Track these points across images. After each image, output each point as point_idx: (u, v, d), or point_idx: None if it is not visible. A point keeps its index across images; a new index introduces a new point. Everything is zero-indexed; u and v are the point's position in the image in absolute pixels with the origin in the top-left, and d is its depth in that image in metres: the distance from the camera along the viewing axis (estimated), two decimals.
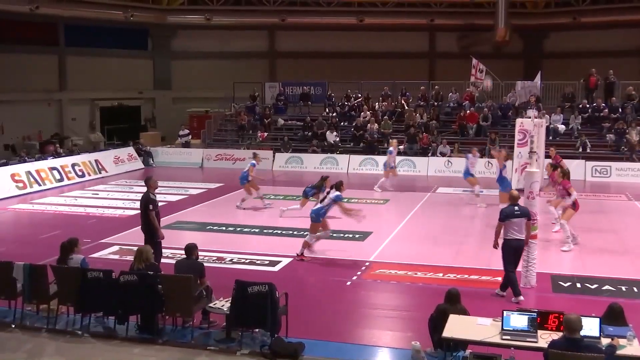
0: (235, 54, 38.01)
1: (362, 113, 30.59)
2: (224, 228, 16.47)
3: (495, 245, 10.82)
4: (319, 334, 9.31)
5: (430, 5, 35.54)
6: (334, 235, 14.79)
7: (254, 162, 19.13)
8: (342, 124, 30.80)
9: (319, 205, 13.75)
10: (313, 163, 28.10)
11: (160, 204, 12.19)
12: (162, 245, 11.75)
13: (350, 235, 15.42)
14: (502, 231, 10.75)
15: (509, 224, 10.66)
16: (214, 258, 13.29)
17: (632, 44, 34.58)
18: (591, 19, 33.56)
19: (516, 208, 10.76)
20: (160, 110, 39.28)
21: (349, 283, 11.84)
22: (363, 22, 35.67)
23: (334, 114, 31.25)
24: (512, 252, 10.70)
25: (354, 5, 35.66)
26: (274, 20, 36.61)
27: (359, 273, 12.40)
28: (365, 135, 29.01)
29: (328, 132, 29.54)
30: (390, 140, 24.52)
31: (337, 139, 29.31)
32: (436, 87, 31.90)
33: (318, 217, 13.50)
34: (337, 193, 13.60)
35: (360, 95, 32.16)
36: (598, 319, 7.37)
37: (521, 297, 10.58)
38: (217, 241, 14.97)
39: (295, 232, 15.58)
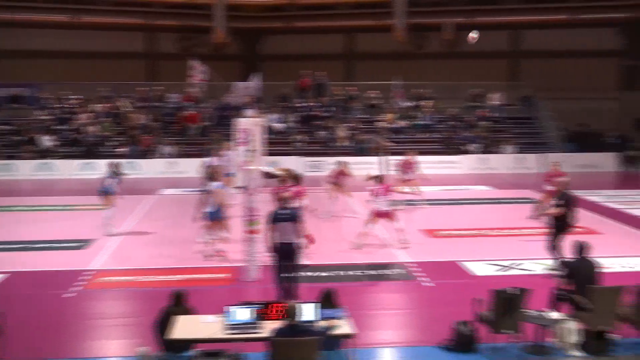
0: None
1: (79, 116, 29.19)
2: None
3: (267, 249, 10.29)
4: (40, 353, 8.72)
5: (148, 5, 35.03)
6: (52, 245, 14.04)
7: None
8: (58, 127, 29.10)
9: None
10: (27, 170, 26.17)
11: None
12: None
13: (71, 245, 14.68)
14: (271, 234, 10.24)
15: (277, 228, 10.11)
16: None
17: (338, 48, 37.62)
18: (302, 24, 35.74)
19: (284, 211, 10.31)
20: None
21: (71, 295, 11.24)
22: (78, 20, 33.97)
23: (49, 117, 29.41)
24: (282, 256, 10.19)
25: (69, 3, 33.77)
26: None
27: (81, 283, 11.83)
28: (84, 138, 27.75)
29: (42, 137, 27.73)
30: None
31: (53, 143, 27.65)
32: (157, 88, 31.60)
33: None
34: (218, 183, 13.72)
35: (76, 97, 30.64)
36: (314, 304, 7.89)
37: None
38: None
39: (6, 247, 14.41)
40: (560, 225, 11.83)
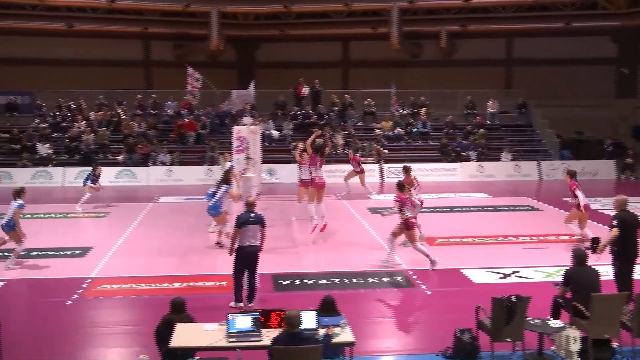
0: None
1: (76, 123, 29.14)
2: None
3: (231, 252, 10.78)
4: None
5: (143, 13, 35.02)
6: (50, 253, 14.03)
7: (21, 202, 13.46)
8: (54, 135, 29.03)
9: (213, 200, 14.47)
10: (24, 177, 26.07)
11: None
12: None
13: (69, 252, 14.63)
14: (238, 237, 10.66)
15: (245, 231, 10.62)
16: None
17: (334, 56, 37.68)
18: (297, 31, 35.78)
19: (252, 214, 10.76)
20: None
21: (69, 303, 11.18)
22: (73, 28, 33.92)
23: (45, 125, 29.35)
24: (246, 258, 10.66)
25: (62, 10, 33.72)
26: None
27: (80, 291, 11.77)
28: (81, 146, 27.70)
29: (39, 144, 27.66)
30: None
31: (50, 151, 27.58)
32: (153, 95, 31.58)
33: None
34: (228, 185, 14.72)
35: (73, 105, 30.61)
36: (315, 312, 7.87)
37: (241, 304, 10.68)
38: None
39: (3, 254, 14.33)
40: (619, 252, 10.02)
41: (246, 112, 27.63)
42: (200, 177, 26.12)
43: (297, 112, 30.46)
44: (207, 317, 8.55)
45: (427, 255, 12.94)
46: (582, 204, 14.49)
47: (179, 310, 8.35)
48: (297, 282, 12.36)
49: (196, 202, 21.44)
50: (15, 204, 13.21)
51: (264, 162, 24.25)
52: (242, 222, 10.62)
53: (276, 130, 29.18)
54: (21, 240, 13.30)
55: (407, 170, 15.26)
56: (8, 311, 10.49)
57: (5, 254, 13.60)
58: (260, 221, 10.77)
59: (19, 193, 13.37)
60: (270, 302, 10.57)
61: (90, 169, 21.20)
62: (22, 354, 8.78)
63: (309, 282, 12.33)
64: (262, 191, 19.05)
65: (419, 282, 12.25)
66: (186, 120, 29.46)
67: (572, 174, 14.92)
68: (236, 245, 10.68)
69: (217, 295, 11.30)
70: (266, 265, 12.77)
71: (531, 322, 8.35)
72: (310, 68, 34.58)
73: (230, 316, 7.78)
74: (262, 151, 23.15)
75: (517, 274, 12.66)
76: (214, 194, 14.82)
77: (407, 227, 12.94)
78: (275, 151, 26.84)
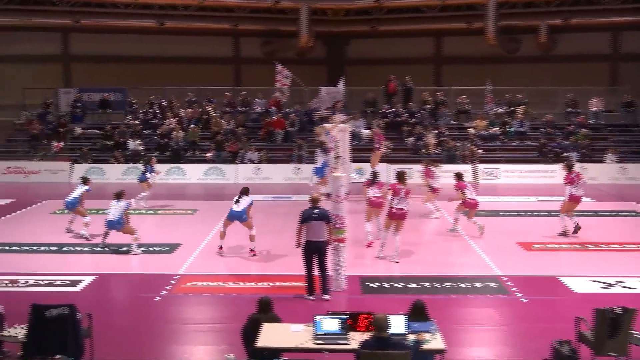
0: (26, 58, 35.63)
1: (166, 120, 30.07)
2: (17, 248, 15.34)
3: (298, 245, 11.32)
4: (127, 355, 9.00)
5: (233, 10, 35.74)
6: (141, 248, 14.57)
7: (88, 187, 16.70)
8: (145, 132, 30.07)
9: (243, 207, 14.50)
10: (115, 174, 27.16)
11: None
12: None
13: (158, 249, 15.11)
14: (303, 232, 11.23)
15: (309, 227, 11.13)
16: (6, 281, 12.39)
17: (426, 52, 37.27)
18: (388, 27, 35.59)
19: (315, 211, 11.22)
20: None
21: (158, 299, 11.55)
22: (164, 25, 35.01)
23: (137, 122, 30.44)
24: (312, 253, 11.20)
25: (155, 8, 34.87)
26: (67, 22, 34.80)
27: (168, 287, 12.14)
28: (171, 143, 28.56)
29: (130, 141, 28.71)
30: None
31: (141, 147, 28.57)
32: (242, 92, 32.18)
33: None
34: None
35: (163, 102, 31.59)
36: (404, 317, 7.80)
37: (312, 297, 11.21)
38: (9, 263, 13.93)
39: (98, 249, 14.95)
40: None
41: (335, 110, 27.71)
42: (288, 176, 26.48)
43: (388, 110, 30.33)
44: (294, 318, 8.63)
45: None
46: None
47: (266, 310, 8.47)
48: (386, 285, 12.31)
49: (284, 201, 21.75)
50: (122, 204, 14.67)
51: (353, 161, 24.27)
52: (305, 218, 11.16)
53: (366, 128, 29.14)
54: (134, 232, 14.68)
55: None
56: (99, 304, 10.94)
57: (99, 249, 14.18)
58: (324, 217, 11.21)
59: (120, 195, 14.78)
60: (358, 305, 10.56)
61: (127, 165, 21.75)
62: (111, 348, 9.12)
63: (398, 285, 12.26)
64: (351, 191, 19.06)
65: (514, 289, 11.95)
66: (274, 117, 29.86)
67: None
68: (303, 240, 11.23)
69: (304, 296, 11.39)
70: (354, 267, 12.82)
71: (637, 336, 8.00)
72: (401, 64, 34.37)
73: (317, 318, 7.83)
74: (351, 150, 23.22)
75: (622, 284, 12.15)
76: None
77: None
78: (364, 150, 26.78)
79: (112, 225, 14.67)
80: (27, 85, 31.79)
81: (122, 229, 14.67)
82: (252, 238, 14.49)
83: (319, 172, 20.40)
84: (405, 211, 13.78)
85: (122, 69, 35.41)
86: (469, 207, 16.19)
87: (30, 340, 8.27)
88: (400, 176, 14.16)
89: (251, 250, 14.45)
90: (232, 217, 14.48)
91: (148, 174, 20.65)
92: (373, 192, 15.07)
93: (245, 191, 14.80)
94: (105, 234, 14.97)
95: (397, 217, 13.77)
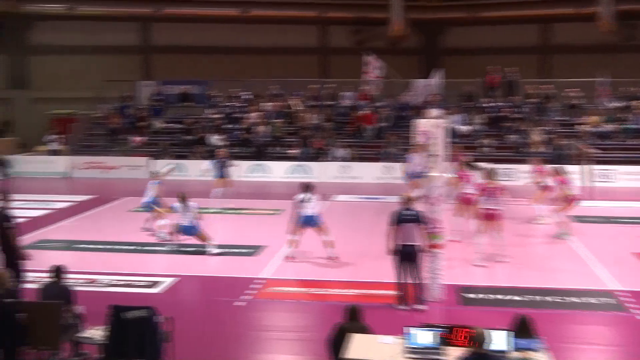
0: (104, 49, 37.03)
1: (248, 114, 30.53)
2: (96, 246, 15.96)
3: (389, 251, 11.16)
4: None
5: None
6: (224, 250, 14.84)
7: (159, 180, 17.43)
8: (227, 126, 30.62)
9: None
10: (197, 170, 27.75)
11: (20, 220, 11.69)
12: (23, 267, 11.25)
13: (241, 250, 15.37)
14: (394, 235, 11.08)
15: (400, 229, 10.98)
16: (85, 281, 12.85)
17: (532, 41, 36.43)
18: (489, 13, 35.02)
19: (407, 212, 11.08)
20: (17, 112, 37.67)
21: (240, 303, 11.74)
22: (248, 14, 35.60)
23: (218, 116, 31.04)
24: (404, 258, 11.04)
25: None
26: (148, 11, 35.91)
27: (251, 292, 12.32)
28: (254, 138, 28.97)
29: (211, 136, 29.29)
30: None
31: (222, 143, 29.10)
32: (330, 85, 32.29)
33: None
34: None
35: (246, 95, 32.09)
36: (507, 332, 7.63)
37: (403, 306, 11.10)
38: (88, 261, 14.49)
39: (177, 250, 15.32)
40: None
41: (431, 104, 27.44)
42: (379, 175, 26.38)
43: (487, 105, 29.80)
44: (383, 329, 8.58)
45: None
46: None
47: (353, 319, 8.46)
48: (487, 296, 12.09)
49: (373, 202, 21.68)
50: (193, 205, 15.07)
51: (449, 160, 23.95)
52: (396, 220, 10.97)
53: (464, 124, 28.73)
54: (208, 239, 15.06)
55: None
56: (181, 308, 11.20)
57: (181, 249, 14.56)
58: (418, 219, 11.00)
59: (185, 198, 15.09)
60: (455, 317, 10.43)
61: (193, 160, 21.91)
62: (191, 354, 9.32)
63: (500, 297, 12.02)
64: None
65: (632, 305, 11.51)
66: (364, 112, 29.83)
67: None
68: (393, 245, 11.06)
69: (394, 306, 11.32)
70: (452, 275, 12.66)
71: None
72: (502, 54, 33.80)
73: (409, 329, 7.75)
74: (447, 148, 22.92)
75: None
76: None
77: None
78: (462, 148, 26.38)
79: (187, 231, 15.03)
80: (106, 77, 32.90)
81: (197, 233, 14.99)
82: (330, 244, 14.39)
83: (411, 173, 20.28)
84: (496, 211, 13.72)
85: (203, 60, 36.23)
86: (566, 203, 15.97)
87: (108, 343, 8.55)
88: (490, 173, 14.11)
89: (331, 258, 14.38)
90: (307, 222, 14.38)
91: (222, 171, 20.98)
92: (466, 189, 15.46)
93: (311, 188, 14.59)
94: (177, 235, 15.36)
95: (487, 218, 13.78)
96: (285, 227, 15.40)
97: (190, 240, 15.20)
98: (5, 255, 11.14)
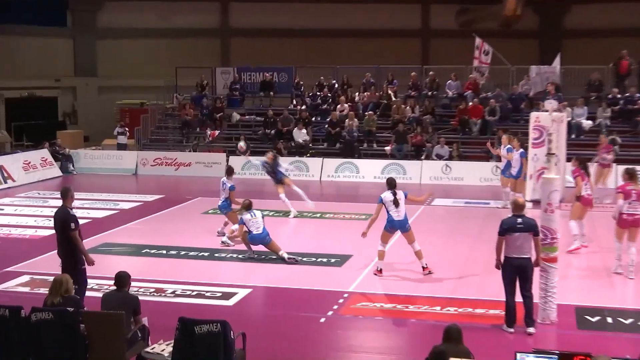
0: (178, 32, 37.84)
1: (338, 106, 30.65)
2: (164, 252, 16.33)
3: (498, 266, 11.12)
4: None
5: None
6: (305, 260, 14.96)
7: (232, 184, 17.31)
8: (313, 119, 30.82)
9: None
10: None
11: (81, 221, 12.05)
12: (85, 273, 11.61)
13: (325, 260, 15.46)
14: (503, 247, 11.00)
15: (510, 239, 10.90)
16: (152, 290, 13.19)
17: None
18: None
19: (519, 220, 10.95)
20: (82, 102, 38.92)
21: (323, 320, 11.81)
22: None
23: (303, 107, 31.27)
24: (514, 273, 10.97)
25: None
26: None
27: (335, 307, 12.38)
28: (343, 133, 29.07)
29: (296, 130, 29.55)
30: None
31: (308, 138, 29.31)
32: (431, 73, 32.07)
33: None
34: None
35: (334, 84, 32.22)
36: None
37: (511, 329, 10.98)
38: (155, 268, 14.89)
39: (255, 257, 15.54)
40: None
41: (549, 95, 26.94)
42: (486, 176, 25.99)
43: (618, 96, 29.00)
44: (488, 354, 8.51)
45: None
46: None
47: (454, 341, 8.39)
48: (609, 319, 11.77)
49: (479, 208, 21.42)
50: (258, 213, 15.47)
51: (571, 159, 23.48)
52: (506, 229, 10.95)
53: (588, 118, 28.08)
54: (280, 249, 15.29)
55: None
56: (254, 322, 11.36)
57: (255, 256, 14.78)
58: (531, 228, 10.94)
59: (249, 205, 15.52)
60: (572, 342, 10.23)
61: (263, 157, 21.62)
62: None
63: (626, 321, 11.68)
64: (566, 197, 18.41)
65: None
66: (470, 104, 29.51)
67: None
68: (502, 257, 11.01)
69: (502, 327, 11.17)
70: (568, 294, 12.41)
71: None
72: (636, 37, 32.75)
73: (518, 355, 7.66)
74: (568, 145, 22.45)
75: None
76: None
77: None
78: (585, 146, 25.82)
79: (262, 239, 15.25)
80: (180, 63, 33.57)
81: (270, 242, 15.21)
82: (420, 255, 14.25)
83: (510, 171, 20.19)
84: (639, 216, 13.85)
85: (287, 45, 36.55)
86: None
87: (177, 359, 8.75)
88: (631, 175, 14.18)
89: (424, 269, 14.25)
90: (395, 227, 14.27)
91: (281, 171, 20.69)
92: (586, 190, 15.66)
93: (395, 184, 14.42)
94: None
95: (629, 224, 13.92)
96: (378, 233, 15.40)
97: (263, 248, 15.38)
98: (66, 259, 11.51)
